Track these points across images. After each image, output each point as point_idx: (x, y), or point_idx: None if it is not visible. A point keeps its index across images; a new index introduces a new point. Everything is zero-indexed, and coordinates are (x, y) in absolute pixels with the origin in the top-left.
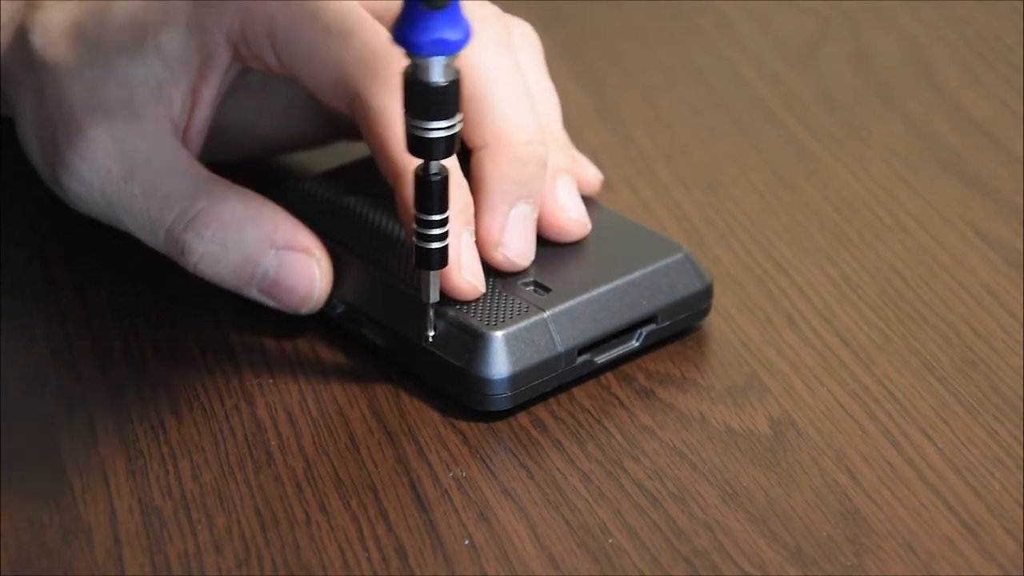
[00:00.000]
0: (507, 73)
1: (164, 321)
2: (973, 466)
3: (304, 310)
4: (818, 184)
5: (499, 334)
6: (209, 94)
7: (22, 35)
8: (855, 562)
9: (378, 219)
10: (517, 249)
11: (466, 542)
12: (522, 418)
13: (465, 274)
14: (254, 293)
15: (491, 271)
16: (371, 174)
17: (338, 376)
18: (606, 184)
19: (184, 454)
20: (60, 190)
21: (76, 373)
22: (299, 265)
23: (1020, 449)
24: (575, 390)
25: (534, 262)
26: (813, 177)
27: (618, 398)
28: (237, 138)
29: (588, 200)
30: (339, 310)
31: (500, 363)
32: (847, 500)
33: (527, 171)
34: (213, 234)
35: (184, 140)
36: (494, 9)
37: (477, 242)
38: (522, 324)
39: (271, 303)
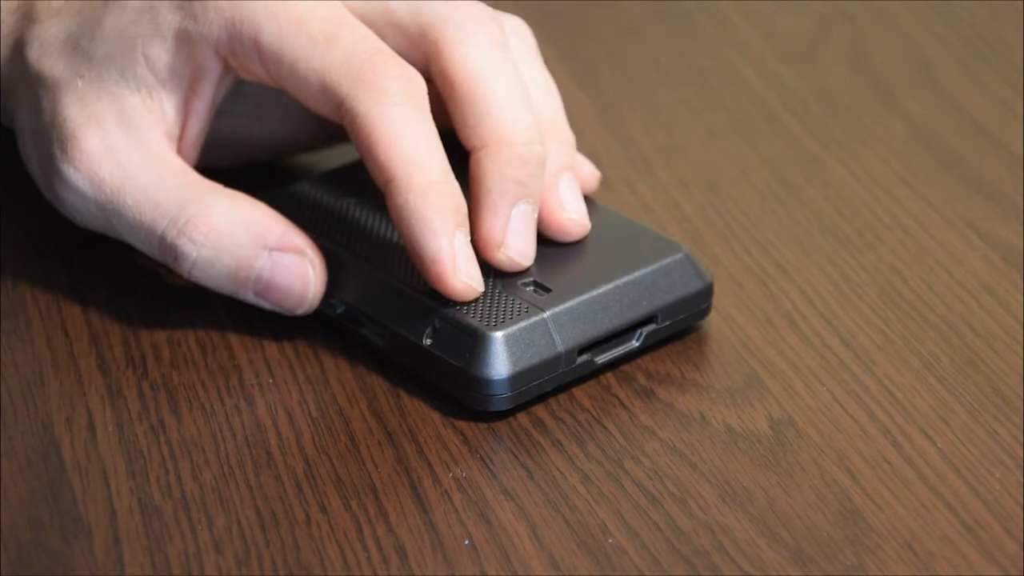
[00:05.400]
0: (504, 73)
1: (164, 321)
2: (973, 466)
3: (300, 311)
4: (818, 184)
5: (499, 334)
6: (202, 106)
7: (19, 49)
8: (855, 562)
9: (377, 220)
10: (519, 249)
11: (466, 542)
12: (522, 418)
13: (462, 275)
14: (250, 296)
15: (491, 271)
16: (353, 179)
17: (338, 376)
18: (606, 184)
19: (184, 454)
20: (57, 201)
21: (76, 373)
22: (293, 266)
23: (1020, 449)
24: (575, 390)
25: (534, 262)
26: (813, 177)
27: (618, 398)
28: (235, 145)
29: (588, 200)
30: (339, 310)
31: (500, 363)
32: (847, 500)
33: (527, 171)
34: (205, 239)
35: (179, 150)
36: (487, 8)
37: (479, 242)
38: (522, 324)
39: (267, 306)
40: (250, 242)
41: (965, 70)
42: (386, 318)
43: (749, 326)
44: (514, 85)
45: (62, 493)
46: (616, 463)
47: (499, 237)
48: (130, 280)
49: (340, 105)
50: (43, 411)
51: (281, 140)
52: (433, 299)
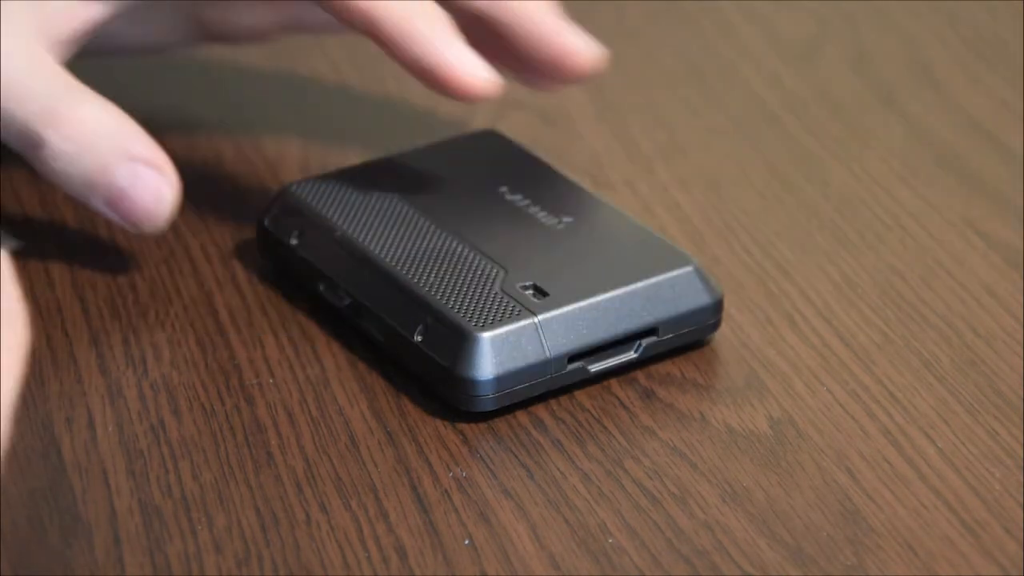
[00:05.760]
0: None
1: (164, 321)
2: (973, 466)
3: (146, 228)
4: (818, 184)
5: (485, 335)
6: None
7: None
8: (855, 562)
9: (383, 217)
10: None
11: (466, 542)
12: (522, 418)
13: (469, 69)
14: (99, 204)
15: (492, 271)
16: (372, 176)
17: (338, 376)
18: (606, 184)
19: (184, 454)
20: None
21: (76, 373)
22: (151, 181)
23: (1020, 449)
24: (576, 391)
25: (535, 264)
26: (813, 177)
27: (618, 398)
28: (106, 44)
29: (599, 202)
30: (346, 302)
31: (485, 364)
32: (847, 500)
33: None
34: (69, 134)
35: (51, 49)
36: None
37: (566, 60)
38: (510, 327)
39: (114, 217)
40: (115, 147)
41: (965, 70)
42: (384, 312)
43: (749, 326)
44: None
45: (62, 493)
46: (616, 463)
47: (585, 48)
48: (129, 280)
49: None
50: (43, 411)
51: (147, 40)
52: (428, 296)
